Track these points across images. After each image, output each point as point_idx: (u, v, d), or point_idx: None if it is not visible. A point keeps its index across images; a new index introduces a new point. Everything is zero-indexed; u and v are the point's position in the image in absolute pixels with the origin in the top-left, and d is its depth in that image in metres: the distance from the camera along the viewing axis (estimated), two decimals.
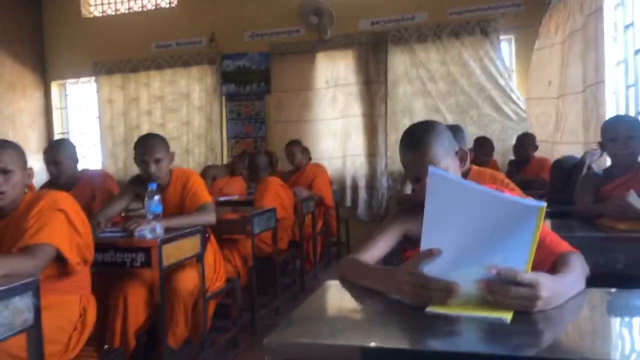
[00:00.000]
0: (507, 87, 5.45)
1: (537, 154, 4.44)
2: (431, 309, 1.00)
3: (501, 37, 5.57)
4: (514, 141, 4.78)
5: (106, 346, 2.36)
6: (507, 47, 5.79)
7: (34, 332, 1.49)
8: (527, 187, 3.57)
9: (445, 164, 1.32)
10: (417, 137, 1.33)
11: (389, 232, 1.43)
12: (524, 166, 4.37)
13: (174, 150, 2.80)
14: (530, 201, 0.98)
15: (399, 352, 0.85)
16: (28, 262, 1.66)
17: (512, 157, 4.69)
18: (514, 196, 1.03)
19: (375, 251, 1.39)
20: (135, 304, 2.36)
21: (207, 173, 4.73)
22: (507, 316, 0.95)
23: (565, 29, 4.31)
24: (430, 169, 1.05)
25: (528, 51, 5.26)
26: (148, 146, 2.60)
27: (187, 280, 2.50)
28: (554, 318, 0.96)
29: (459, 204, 1.01)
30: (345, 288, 1.23)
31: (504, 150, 5.43)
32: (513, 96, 5.44)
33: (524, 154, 4.38)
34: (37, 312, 1.49)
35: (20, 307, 1.44)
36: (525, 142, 4.39)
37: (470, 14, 5.63)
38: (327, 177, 5.11)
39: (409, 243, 1.45)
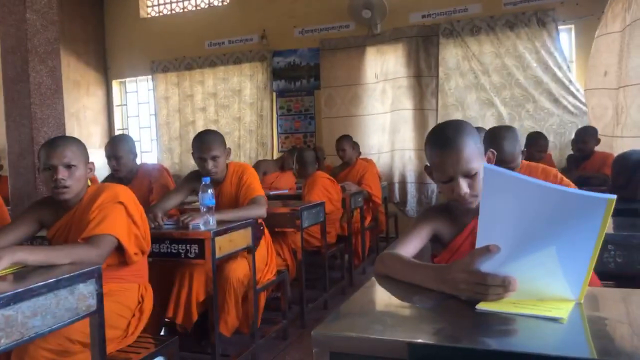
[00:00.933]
0: (566, 79, 5.21)
1: (597, 148, 4.23)
2: (482, 307, 0.98)
3: (560, 27, 5.33)
4: (572, 135, 4.58)
5: (162, 333, 2.47)
6: (566, 37, 5.54)
7: (97, 317, 1.58)
8: (586, 183, 3.42)
9: (477, 164, 1.30)
10: (451, 137, 1.31)
11: (420, 230, 1.43)
12: (585, 161, 4.17)
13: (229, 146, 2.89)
14: (599, 194, 0.93)
15: (447, 350, 0.84)
16: (92, 251, 1.75)
17: (571, 152, 4.49)
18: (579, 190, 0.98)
19: (410, 248, 1.39)
20: (199, 281, 2.47)
21: (259, 168, 4.82)
22: (563, 315, 0.92)
23: (626, 18, 4.07)
24: (485, 165, 1.02)
25: (589, 41, 5.00)
26: (205, 144, 2.67)
27: (239, 269, 2.57)
28: (610, 318, 0.92)
29: (517, 200, 0.97)
30: (391, 284, 1.23)
31: (562, 144, 5.22)
32: (572, 88, 5.20)
33: (585, 149, 4.18)
34: (100, 298, 1.58)
35: (85, 293, 1.53)
36: (587, 136, 4.19)
37: (526, 3, 5.42)
38: (376, 173, 5.09)
39: (438, 244, 1.45)
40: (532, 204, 0.95)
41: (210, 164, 2.66)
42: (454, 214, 1.45)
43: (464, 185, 1.31)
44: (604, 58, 4.52)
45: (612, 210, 0.90)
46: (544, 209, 0.94)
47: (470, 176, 1.31)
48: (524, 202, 0.96)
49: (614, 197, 0.89)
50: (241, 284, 2.57)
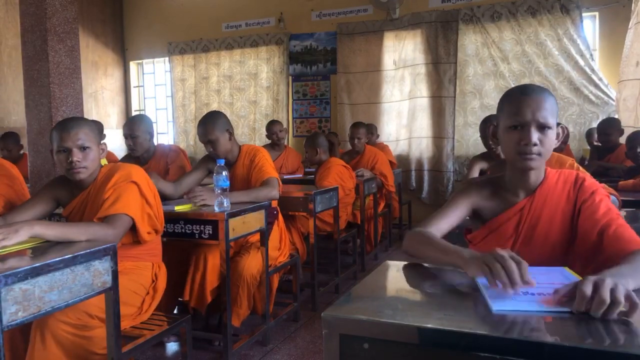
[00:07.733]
0: (588, 68, 5.10)
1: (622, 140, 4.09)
2: (499, 308, 0.96)
3: (584, 14, 5.19)
4: (593, 125, 4.48)
5: (175, 312, 2.51)
6: (590, 24, 5.40)
7: (112, 293, 1.61)
8: (604, 175, 3.36)
9: (553, 122, 1.27)
10: (539, 89, 1.29)
11: (458, 205, 1.38)
12: (609, 154, 3.95)
13: (234, 127, 2.92)
14: None
15: (457, 335, 0.84)
16: (108, 230, 1.78)
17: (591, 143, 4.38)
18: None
19: (445, 224, 1.36)
20: (213, 265, 2.50)
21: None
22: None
23: None
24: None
25: (614, 29, 4.89)
26: (202, 129, 2.74)
27: (252, 264, 2.58)
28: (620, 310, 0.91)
29: None
30: (405, 269, 1.23)
31: (581, 135, 5.12)
32: (594, 77, 5.09)
33: (608, 141, 3.96)
34: (115, 275, 1.61)
35: (100, 270, 1.56)
36: (609, 128, 3.98)
37: None
38: (387, 160, 4.98)
39: (477, 220, 1.40)
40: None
41: (209, 147, 2.74)
42: (501, 190, 1.37)
43: (535, 134, 1.26)
44: (635, 48, 4.39)
45: None
46: None
47: (543, 129, 1.26)
48: None
49: None
50: (254, 279, 2.58)
